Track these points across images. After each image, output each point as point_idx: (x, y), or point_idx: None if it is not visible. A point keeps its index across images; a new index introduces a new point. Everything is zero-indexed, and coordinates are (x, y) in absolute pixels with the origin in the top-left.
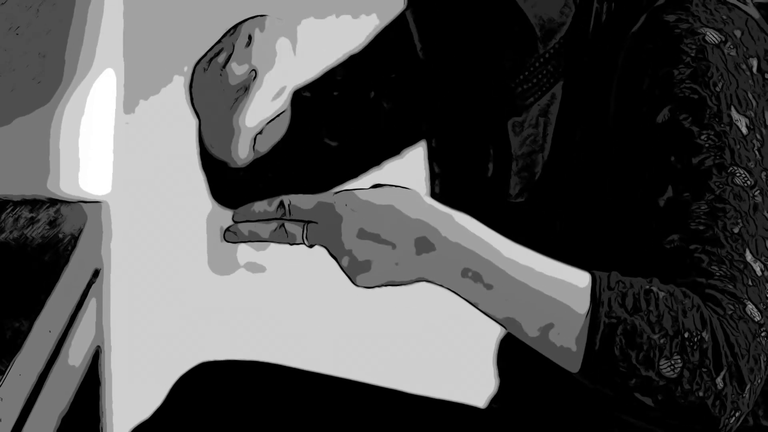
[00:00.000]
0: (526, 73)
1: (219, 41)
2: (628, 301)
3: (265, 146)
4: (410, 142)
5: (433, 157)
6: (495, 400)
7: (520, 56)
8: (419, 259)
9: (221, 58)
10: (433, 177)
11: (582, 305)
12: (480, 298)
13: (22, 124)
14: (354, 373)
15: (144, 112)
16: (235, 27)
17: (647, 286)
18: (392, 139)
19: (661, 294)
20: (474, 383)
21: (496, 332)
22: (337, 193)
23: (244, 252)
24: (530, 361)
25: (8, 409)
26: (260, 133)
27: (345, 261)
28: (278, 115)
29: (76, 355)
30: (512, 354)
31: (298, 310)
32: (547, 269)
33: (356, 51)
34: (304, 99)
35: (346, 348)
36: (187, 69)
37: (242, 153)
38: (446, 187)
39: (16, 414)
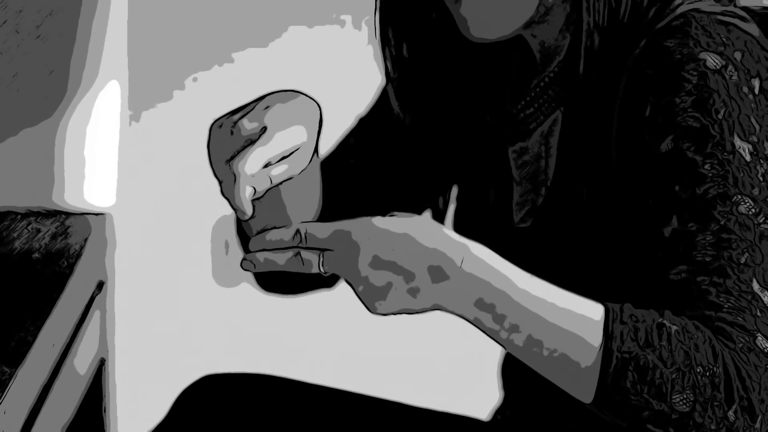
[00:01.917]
0: (528, 98)
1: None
2: (641, 336)
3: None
4: (435, 188)
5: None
6: (499, 412)
7: (520, 81)
8: (434, 288)
9: (236, 116)
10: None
11: (595, 338)
12: (494, 328)
13: (28, 136)
14: (357, 385)
15: (148, 124)
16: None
17: (659, 320)
18: (417, 190)
19: (674, 328)
20: (478, 395)
21: None
22: (353, 220)
23: None
24: (535, 373)
25: (12, 421)
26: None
27: (361, 288)
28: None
29: (80, 367)
30: (517, 366)
31: (301, 322)
32: (561, 301)
33: (364, 113)
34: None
35: (350, 360)
36: (192, 80)
37: (244, 202)
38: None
39: (20, 426)
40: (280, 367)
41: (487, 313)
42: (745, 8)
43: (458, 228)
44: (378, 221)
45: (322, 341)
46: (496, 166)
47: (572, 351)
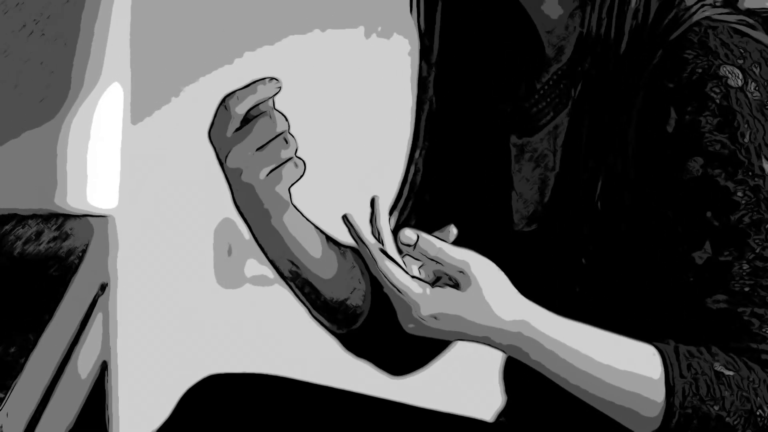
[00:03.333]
0: (541, 92)
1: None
2: (702, 390)
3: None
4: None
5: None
6: (503, 414)
7: (532, 75)
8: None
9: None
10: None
11: (657, 395)
12: (548, 376)
13: (30, 138)
14: (361, 386)
15: (151, 126)
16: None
17: (717, 368)
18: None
19: (731, 375)
20: (481, 397)
21: None
22: (427, 295)
23: (251, 265)
24: (537, 377)
25: (14, 424)
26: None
27: (405, 321)
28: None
29: (83, 369)
30: (519, 368)
31: (305, 323)
32: (621, 361)
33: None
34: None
35: (354, 361)
36: (195, 83)
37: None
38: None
39: (22, 428)
40: (283, 368)
41: (546, 373)
42: (748, 11)
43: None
44: (444, 303)
45: (326, 342)
46: (496, 163)
47: (634, 405)
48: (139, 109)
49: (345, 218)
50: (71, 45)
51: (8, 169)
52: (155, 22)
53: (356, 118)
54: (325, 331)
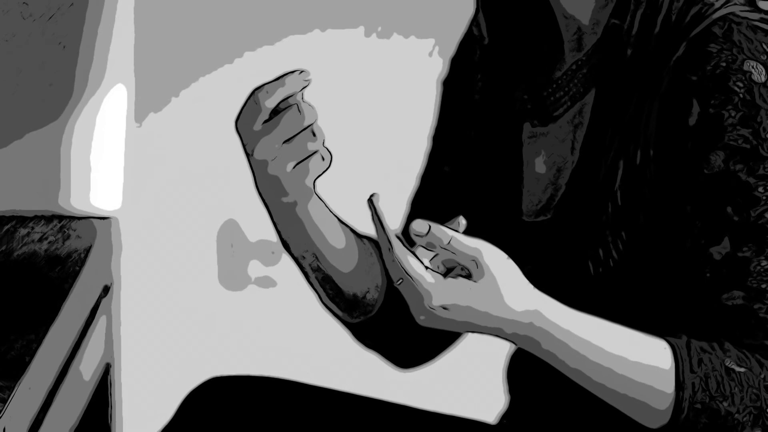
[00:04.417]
0: (559, 82)
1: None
2: (712, 385)
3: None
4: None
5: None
6: (506, 417)
7: (551, 64)
8: (498, 335)
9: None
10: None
11: (667, 386)
12: (562, 370)
13: (33, 139)
14: (365, 388)
15: (155, 127)
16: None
17: (727, 364)
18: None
19: (741, 371)
20: (485, 399)
21: (506, 347)
22: (437, 284)
23: (255, 267)
24: (541, 377)
25: (17, 425)
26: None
27: (417, 312)
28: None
29: (86, 371)
30: (522, 370)
31: (308, 324)
32: (632, 352)
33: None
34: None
35: (357, 363)
36: (198, 84)
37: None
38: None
39: (25, 430)
40: (286, 370)
41: (557, 365)
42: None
43: (478, 220)
44: (456, 294)
45: (329, 344)
46: (507, 152)
47: (644, 397)
48: (143, 110)
49: (370, 201)
50: (74, 46)
51: (11, 170)
52: (158, 23)
53: (356, 118)
54: (335, 319)
